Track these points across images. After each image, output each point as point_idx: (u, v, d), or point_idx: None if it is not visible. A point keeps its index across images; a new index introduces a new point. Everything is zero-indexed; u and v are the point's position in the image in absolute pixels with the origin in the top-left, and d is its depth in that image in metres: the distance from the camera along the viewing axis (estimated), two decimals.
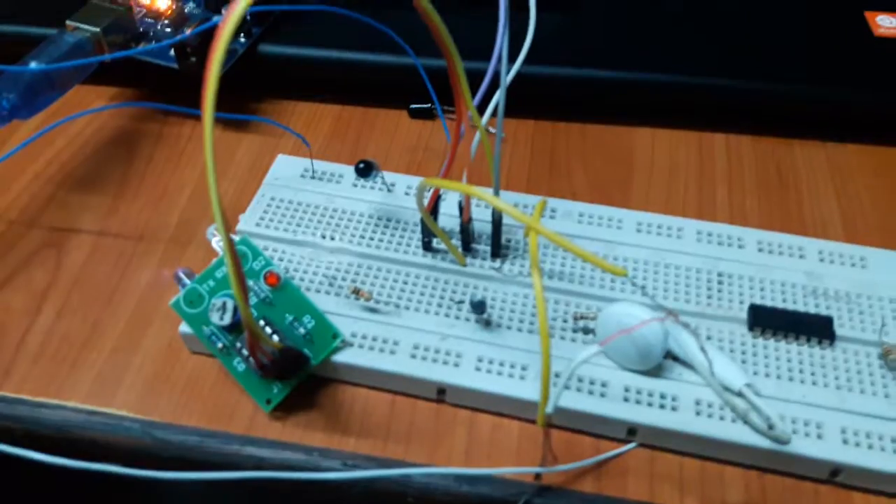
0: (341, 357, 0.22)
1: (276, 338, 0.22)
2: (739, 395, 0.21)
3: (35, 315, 0.25)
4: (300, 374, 0.22)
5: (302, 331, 0.23)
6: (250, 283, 0.23)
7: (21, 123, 0.29)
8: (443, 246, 0.25)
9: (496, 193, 0.23)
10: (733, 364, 0.22)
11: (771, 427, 0.20)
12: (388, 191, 0.27)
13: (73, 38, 0.28)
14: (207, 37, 0.29)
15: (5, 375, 0.23)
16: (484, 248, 0.25)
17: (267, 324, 0.22)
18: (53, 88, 0.27)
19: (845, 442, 0.21)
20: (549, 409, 0.18)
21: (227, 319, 0.22)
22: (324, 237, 0.26)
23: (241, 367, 0.22)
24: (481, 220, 0.25)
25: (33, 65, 0.26)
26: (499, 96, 0.21)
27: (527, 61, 0.26)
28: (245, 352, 0.22)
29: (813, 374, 0.22)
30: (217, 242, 0.25)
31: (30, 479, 0.23)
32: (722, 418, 0.21)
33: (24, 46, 0.28)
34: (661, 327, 0.21)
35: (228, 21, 0.15)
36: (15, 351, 0.24)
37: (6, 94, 0.26)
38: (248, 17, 0.31)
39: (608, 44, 0.32)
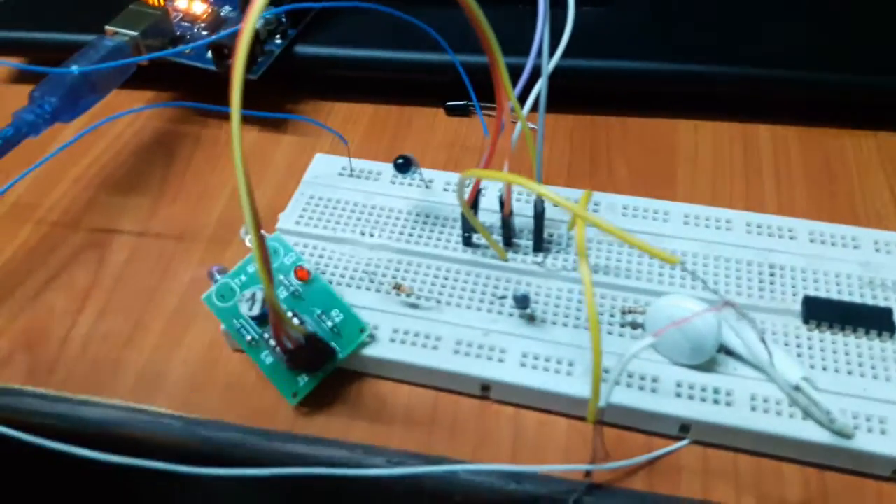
0: (383, 353, 0.22)
1: (301, 324, 0.22)
2: (796, 389, 0.20)
3: (78, 315, 0.25)
4: (327, 367, 0.22)
5: (329, 324, 0.22)
6: (281, 277, 0.23)
7: (62, 127, 0.29)
8: (483, 241, 0.25)
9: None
10: (789, 357, 0.21)
11: (833, 422, 0.20)
12: (427, 187, 0.27)
13: (112, 42, 0.29)
14: None
15: (49, 373, 0.23)
16: (525, 242, 0.25)
17: (295, 315, 0.22)
18: (94, 91, 0.27)
19: None
20: (602, 403, 0.17)
21: (256, 310, 0.22)
22: (363, 234, 0.25)
23: (269, 359, 0.22)
24: (522, 215, 0.25)
25: (74, 68, 0.26)
26: (540, 85, 0.21)
27: (565, 54, 0.25)
28: (272, 342, 0.21)
29: (873, 367, 0.21)
30: (250, 240, 0.25)
31: (70, 477, 0.23)
32: (779, 413, 0.20)
33: (66, 53, 0.28)
34: (715, 319, 0.20)
35: (249, 17, 0.15)
36: (59, 350, 0.24)
37: (48, 98, 0.26)
38: (284, 19, 0.31)
39: (647, 35, 0.31)
